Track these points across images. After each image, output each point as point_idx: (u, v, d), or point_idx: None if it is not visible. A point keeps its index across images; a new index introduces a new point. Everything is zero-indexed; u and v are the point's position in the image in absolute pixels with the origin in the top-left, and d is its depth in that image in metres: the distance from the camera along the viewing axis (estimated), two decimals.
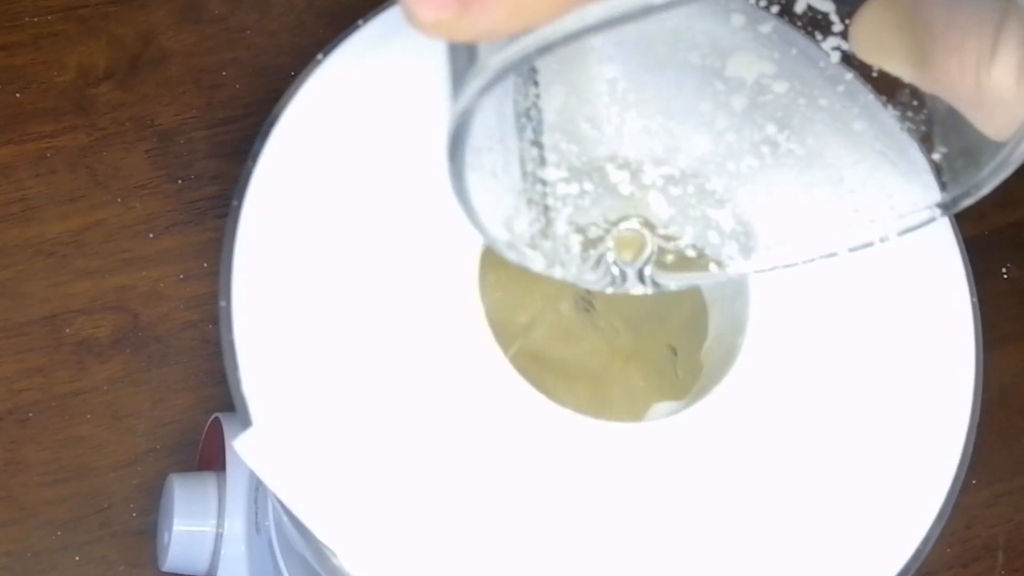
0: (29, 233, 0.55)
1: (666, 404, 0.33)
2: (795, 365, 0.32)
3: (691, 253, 0.27)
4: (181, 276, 0.55)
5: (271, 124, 0.32)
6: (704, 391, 0.32)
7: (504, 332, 0.32)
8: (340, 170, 0.32)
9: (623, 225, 0.27)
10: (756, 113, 0.27)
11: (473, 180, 0.22)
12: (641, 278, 0.27)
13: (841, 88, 0.26)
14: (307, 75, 0.33)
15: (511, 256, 0.25)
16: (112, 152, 0.57)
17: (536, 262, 0.25)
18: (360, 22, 0.34)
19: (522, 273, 0.40)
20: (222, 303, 0.30)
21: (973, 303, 0.34)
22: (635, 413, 0.35)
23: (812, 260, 0.27)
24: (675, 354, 0.40)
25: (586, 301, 0.42)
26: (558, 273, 0.26)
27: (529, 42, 0.18)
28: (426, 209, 0.32)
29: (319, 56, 0.33)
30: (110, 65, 0.59)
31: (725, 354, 0.33)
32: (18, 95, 0.57)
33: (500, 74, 0.18)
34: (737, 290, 0.34)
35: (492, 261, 0.33)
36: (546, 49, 0.18)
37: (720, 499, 0.30)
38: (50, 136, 0.57)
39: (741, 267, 0.27)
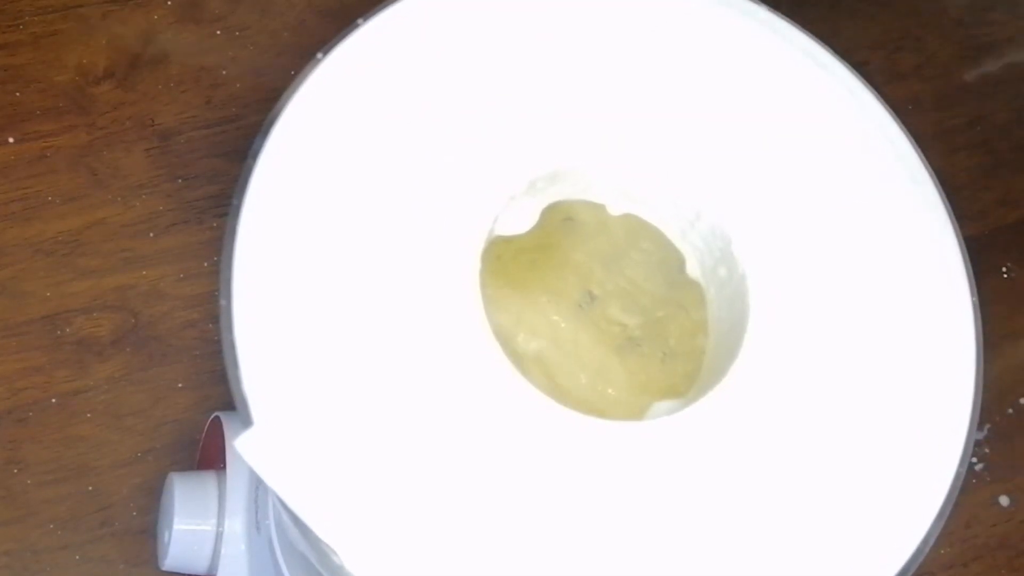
0: (29, 232, 0.55)
1: (666, 403, 0.33)
2: (795, 365, 0.32)
3: None
4: (181, 275, 0.55)
5: (271, 123, 0.32)
6: (704, 391, 0.32)
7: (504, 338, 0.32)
8: (340, 169, 0.32)
9: None
10: None
11: None
12: None
13: None
14: (307, 74, 0.33)
15: None
16: (112, 151, 0.57)
17: None
18: (360, 21, 0.34)
19: (521, 274, 0.40)
20: (222, 302, 0.30)
21: (973, 303, 0.34)
22: (635, 412, 0.35)
23: None
24: (675, 353, 0.40)
25: (588, 295, 0.42)
26: None
27: None
28: (427, 207, 0.32)
29: (319, 55, 0.33)
30: (110, 64, 0.59)
31: (725, 353, 0.33)
32: (18, 94, 0.57)
33: None
34: (737, 290, 0.34)
35: (493, 262, 0.33)
36: None
37: (720, 498, 0.30)
38: (50, 135, 0.57)
39: None
